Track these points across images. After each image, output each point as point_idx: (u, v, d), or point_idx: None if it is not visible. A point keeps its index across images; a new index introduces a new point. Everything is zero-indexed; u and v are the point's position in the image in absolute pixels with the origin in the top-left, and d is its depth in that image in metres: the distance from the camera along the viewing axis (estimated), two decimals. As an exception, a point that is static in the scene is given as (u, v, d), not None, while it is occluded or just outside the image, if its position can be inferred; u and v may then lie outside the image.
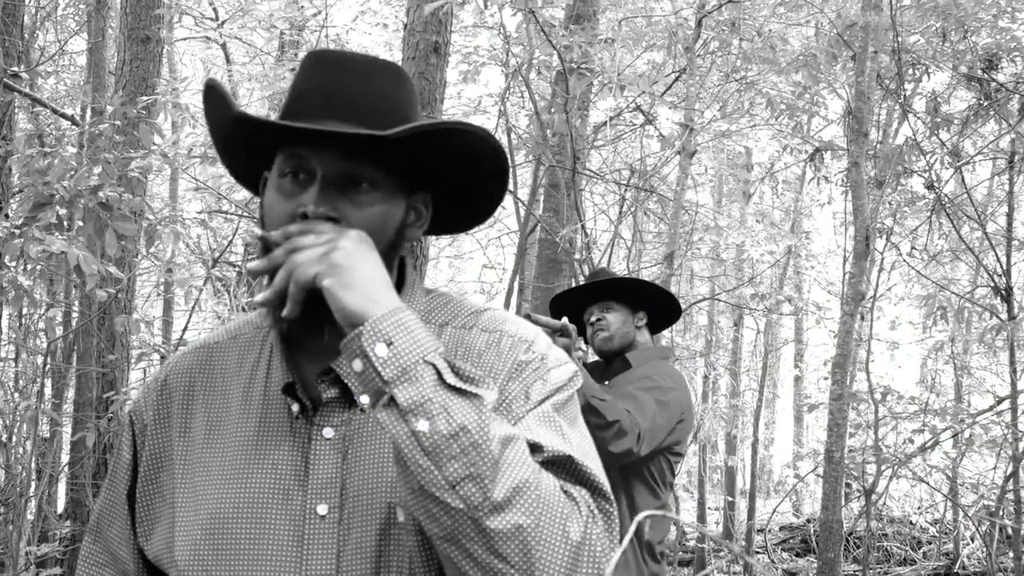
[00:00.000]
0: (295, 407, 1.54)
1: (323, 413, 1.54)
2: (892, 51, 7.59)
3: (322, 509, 1.49)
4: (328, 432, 1.53)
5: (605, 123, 8.68)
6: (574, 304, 4.16)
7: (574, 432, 1.53)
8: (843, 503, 7.34)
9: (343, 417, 1.53)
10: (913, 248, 9.62)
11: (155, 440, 1.65)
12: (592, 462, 1.49)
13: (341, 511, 1.49)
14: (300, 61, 1.60)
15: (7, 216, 7.15)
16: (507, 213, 13.34)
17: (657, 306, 4.16)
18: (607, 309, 4.07)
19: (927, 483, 9.56)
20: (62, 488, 8.39)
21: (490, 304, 1.77)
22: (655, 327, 4.23)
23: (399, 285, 1.65)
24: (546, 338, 1.64)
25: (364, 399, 1.44)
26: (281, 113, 1.54)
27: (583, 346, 4.08)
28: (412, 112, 1.57)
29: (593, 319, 4.07)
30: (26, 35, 10.21)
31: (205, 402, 1.63)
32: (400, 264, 1.66)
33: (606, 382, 3.99)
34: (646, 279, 5.37)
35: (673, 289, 8.87)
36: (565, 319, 3.57)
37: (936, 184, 8.22)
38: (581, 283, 4.48)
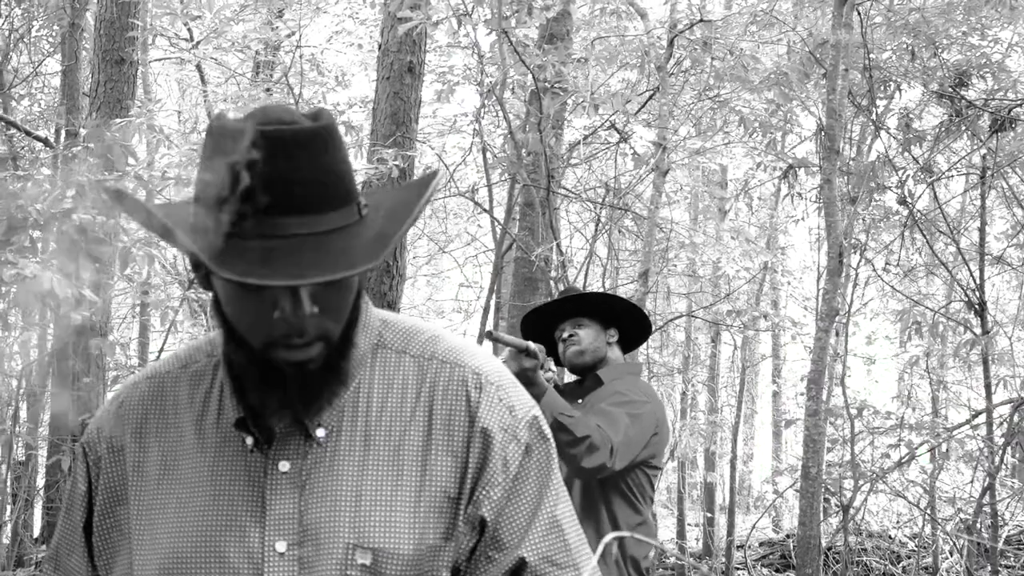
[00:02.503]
0: (249, 440, 1.52)
1: (278, 446, 1.51)
2: (863, 68, 7.65)
3: (281, 546, 1.47)
4: (284, 465, 1.50)
5: (579, 142, 8.72)
6: (546, 322, 4.17)
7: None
8: (821, 518, 7.37)
9: (299, 450, 1.51)
10: (887, 263, 9.67)
11: (109, 473, 1.62)
12: None
13: (300, 548, 1.47)
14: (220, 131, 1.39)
15: (-20, 239, 7.11)
16: (483, 232, 13.37)
17: (629, 324, 4.18)
18: (578, 325, 4.08)
19: (905, 498, 9.59)
20: (37, 512, 8.33)
21: (445, 331, 1.74)
22: (627, 346, 4.25)
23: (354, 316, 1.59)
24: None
25: (320, 432, 1.44)
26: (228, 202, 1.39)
27: (553, 366, 4.09)
28: (348, 172, 1.45)
29: (565, 335, 4.08)
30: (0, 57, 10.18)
31: (158, 436, 1.60)
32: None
33: (579, 401, 4.00)
34: (619, 296, 5.39)
35: (649, 306, 8.89)
36: (530, 342, 3.59)
37: (909, 200, 8.28)
38: (550, 300, 4.49)
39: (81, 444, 1.69)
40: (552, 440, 1.63)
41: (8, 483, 6.31)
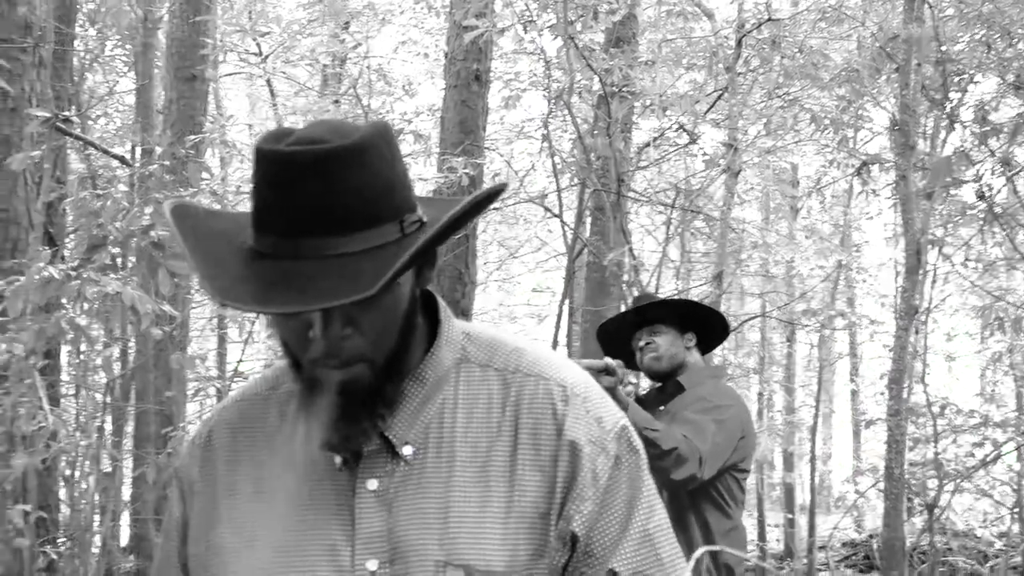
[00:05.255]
0: (337, 459, 1.52)
1: (365, 464, 1.51)
2: (936, 62, 7.53)
3: (372, 565, 1.47)
4: (372, 484, 1.50)
5: (648, 144, 8.69)
6: (621, 333, 4.15)
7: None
8: (905, 519, 7.26)
9: (387, 468, 1.51)
10: (966, 259, 9.51)
11: (203, 497, 1.64)
12: None
13: (391, 566, 1.47)
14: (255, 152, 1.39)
15: (63, 258, 7.27)
16: (554, 236, 13.37)
17: (705, 326, 4.15)
18: (655, 332, 4.05)
19: (991, 496, 9.42)
20: (125, 523, 8.48)
21: (528, 343, 1.71)
22: (705, 348, 4.21)
23: (433, 330, 1.58)
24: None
25: (407, 449, 1.44)
26: (253, 223, 1.40)
27: (633, 379, 4.07)
28: (387, 189, 1.41)
29: (642, 343, 4.05)
30: (75, 78, 10.40)
31: (250, 458, 1.61)
32: (429, 304, 1.60)
33: (661, 408, 3.97)
34: (693, 299, 5.36)
35: (723, 308, 8.83)
36: (608, 359, 3.57)
37: (987, 193, 8.13)
38: (625, 310, 4.47)
39: (175, 469, 1.71)
40: (642, 450, 1.60)
41: (96, 495, 6.43)
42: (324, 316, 1.39)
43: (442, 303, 1.62)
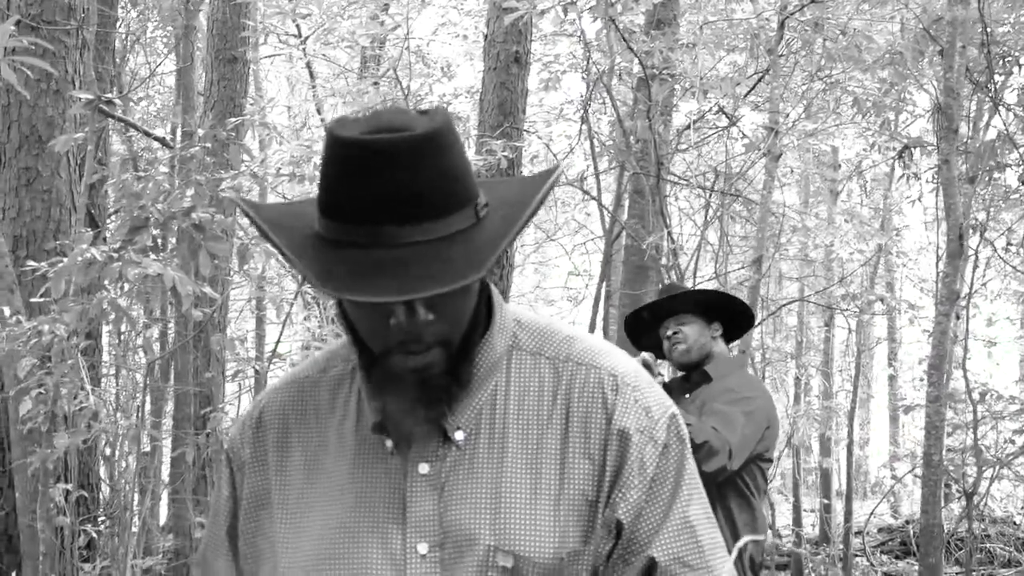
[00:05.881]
0: (388, 443, 1.54)
1: (417, 448, 1.52)
2: (981, 44, 7.44)
3: (422, 548, 1.49)
4: (423, 468, 1.52)
5: (688, 127, 8.64)
6: (648, 323, 4.18)
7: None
8: (943, 505, 7.22)
9: (438, 452, 1.52)
10: (1009, 243, 9.41)
11: (253, 478, 1.66)
12: None
13: (442, 550, 1.49)
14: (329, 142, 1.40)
15: (105, 239, 7.34)
16: (592, 219, 13.34)
17: (731, 315, 4.17)
18: (682, 323, 4.08)
19: (1030, 483, 9.34)
20: (164, 503, 8.57)
21: (579, 331, 1.72)
22: (729, 337, 4.24)
23: (488, 315, 1.59)
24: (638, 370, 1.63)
25: (459, 434, 1.45)
26: (328, 212, 1.42)
27: (661, 370, 4.10)
28: (463, 174, 1.44)
29: (669, 333, 4.09)
30: (117, 59, 10.47)
31: (301, 440, 1.63)
32: (484, 292, 1.60)
33: (687, 396, 4.01)
34: (731, 286, 5.36)
35: (761, 291, 8.78)
36: (643, 354, 3.60)
37: (1031, 177, 8.05)
38: (651, 301, 4.51)
39: (225, 451, 1.73)
40: (688, 440, 1.61)
41: (136, 475, 6.50)
42: (407, 303, 1.40)
43: (495, 290, 1.63)
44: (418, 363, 1.46)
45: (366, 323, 1.46)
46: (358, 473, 1.55)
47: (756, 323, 4.58)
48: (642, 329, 4.18)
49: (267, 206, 1.56)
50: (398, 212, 1.37)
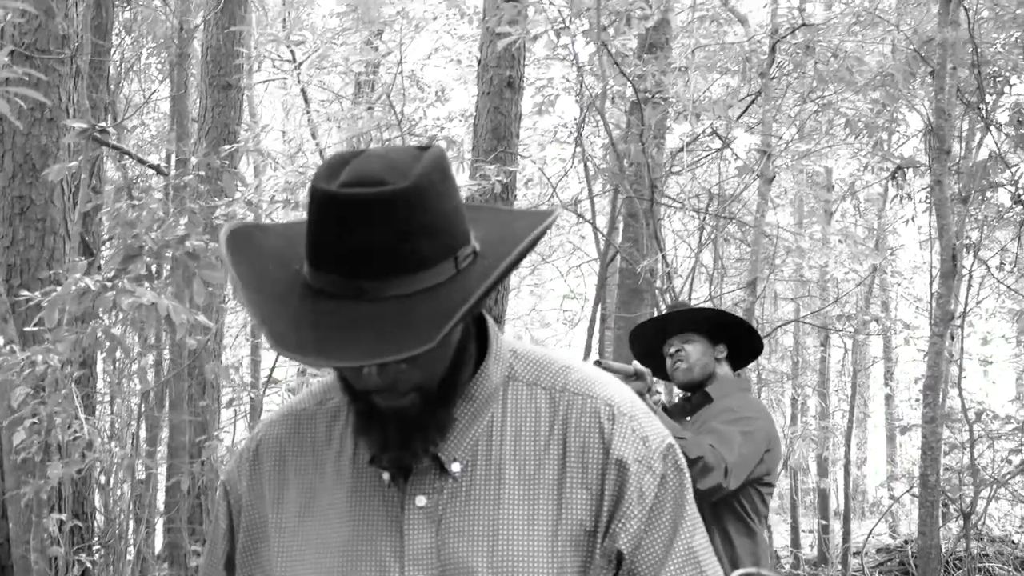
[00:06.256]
0: (386, 476, 1.53)
1: (414, 481, 1.52)
2: (971, 65, 7.47)
3: None
4: (421, 500, 1.51)
5: (681, 149, 8.66)
6: (653, 339, 4.13)
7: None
8: (941, 524, 7.20)
9: (435, 485, 1.52)
10: (1002, 263, 9.43)
11: (250, 511, 1.66)
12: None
13: None
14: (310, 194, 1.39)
15: (99, 268, 7.33)
16: (587, 242, 13.34)
17: (738, 340, 4.11)
18: (686, 341, 4.02)
19: (1028, 502, 9.33)
20: (159, 531, 8.53)
21: (575, 361, 1.72)
22: (737, 363, 4.18)
23: (481, 347, 1.59)
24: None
25: (455, 466, 1.45)
26: (309, 259, 1.41)
27: (660, 388, 4.05)
28: (443, 227, 1.41)
29: (672, 351, 4.02)
30: (111, 87, 10.49)
31: (297, 473, 1.63)
32: (477, 321, 1.60)
33: (688, 418, 3.95)
34: (727, 308, 5.33)
35: (756, 312, 8.78)
36: (636, 363, 3.55)
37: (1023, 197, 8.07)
38: (657, 315, 4.44)
39: (222, 483, 1.73)
40: (687, 469, 1.61)
41: (130, 504, 6.48)
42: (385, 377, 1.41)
43: (491, 321, 1.62)
44: (393, 405, 1.46)
45: (344, 368, 1.47)
46: (355, 505, 1.55)
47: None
48: (647, 345, 4.11)
49: (262, 230, 1.55)
50: (372, 266, 1.36)
